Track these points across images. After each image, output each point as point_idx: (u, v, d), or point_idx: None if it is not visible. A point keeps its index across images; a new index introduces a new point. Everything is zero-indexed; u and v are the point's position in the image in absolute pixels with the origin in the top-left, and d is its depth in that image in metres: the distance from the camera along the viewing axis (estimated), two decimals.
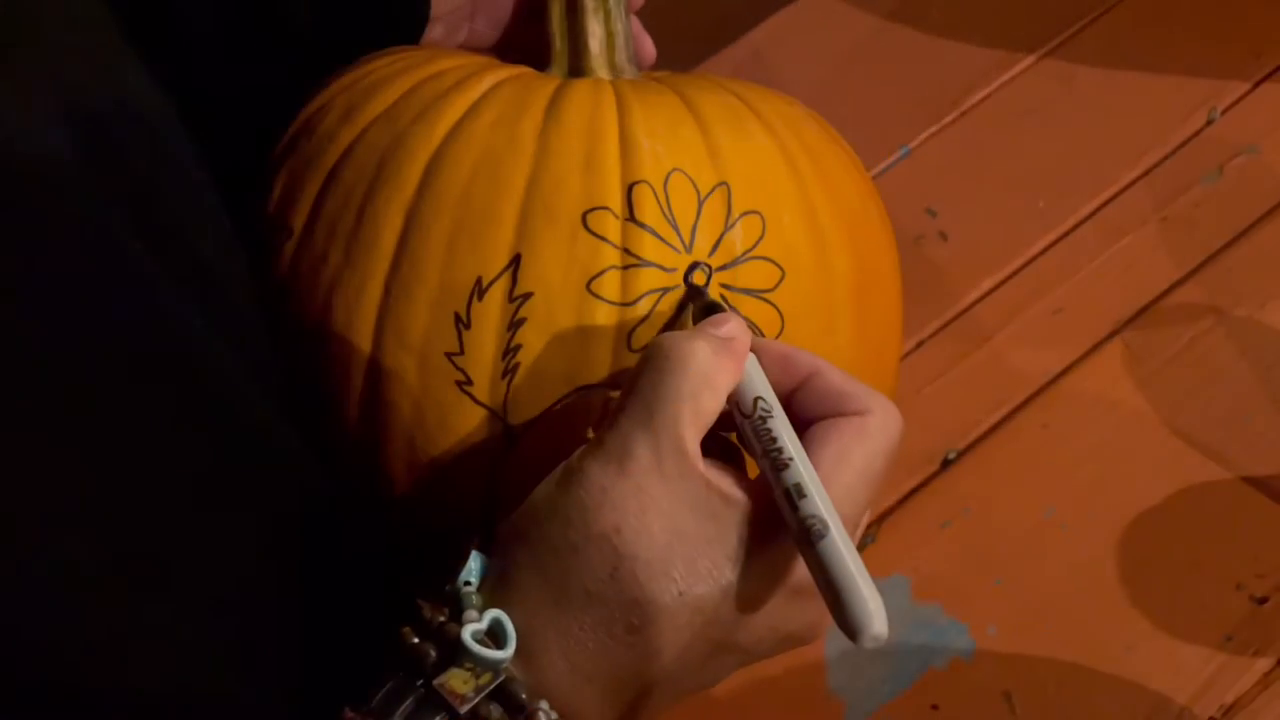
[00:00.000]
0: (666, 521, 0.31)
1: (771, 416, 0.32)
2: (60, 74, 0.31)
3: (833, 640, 0.48)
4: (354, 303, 0.37)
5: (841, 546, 0.30)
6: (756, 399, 0.33)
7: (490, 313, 0.36)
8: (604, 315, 0.36)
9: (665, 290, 0.36)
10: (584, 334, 0.36)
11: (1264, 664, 0.46)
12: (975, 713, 0.46)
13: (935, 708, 0.46)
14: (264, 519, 0.34)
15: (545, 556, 0.31)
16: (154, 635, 0.30)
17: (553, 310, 0.36)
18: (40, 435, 0.28)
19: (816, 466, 0.32)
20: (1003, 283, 0.57)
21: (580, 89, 0.39)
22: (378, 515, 0.39)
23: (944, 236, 0.59)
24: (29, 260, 0.28)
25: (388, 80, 0.40)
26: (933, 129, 0.63)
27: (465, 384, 0.36)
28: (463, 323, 0.36)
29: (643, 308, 0.36)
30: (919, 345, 0.56)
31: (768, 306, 0.37)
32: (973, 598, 0.48)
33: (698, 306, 0.36)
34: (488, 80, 0.39)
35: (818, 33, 0.67)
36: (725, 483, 0.32)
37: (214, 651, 0.31)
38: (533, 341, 0.36)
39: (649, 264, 0.36)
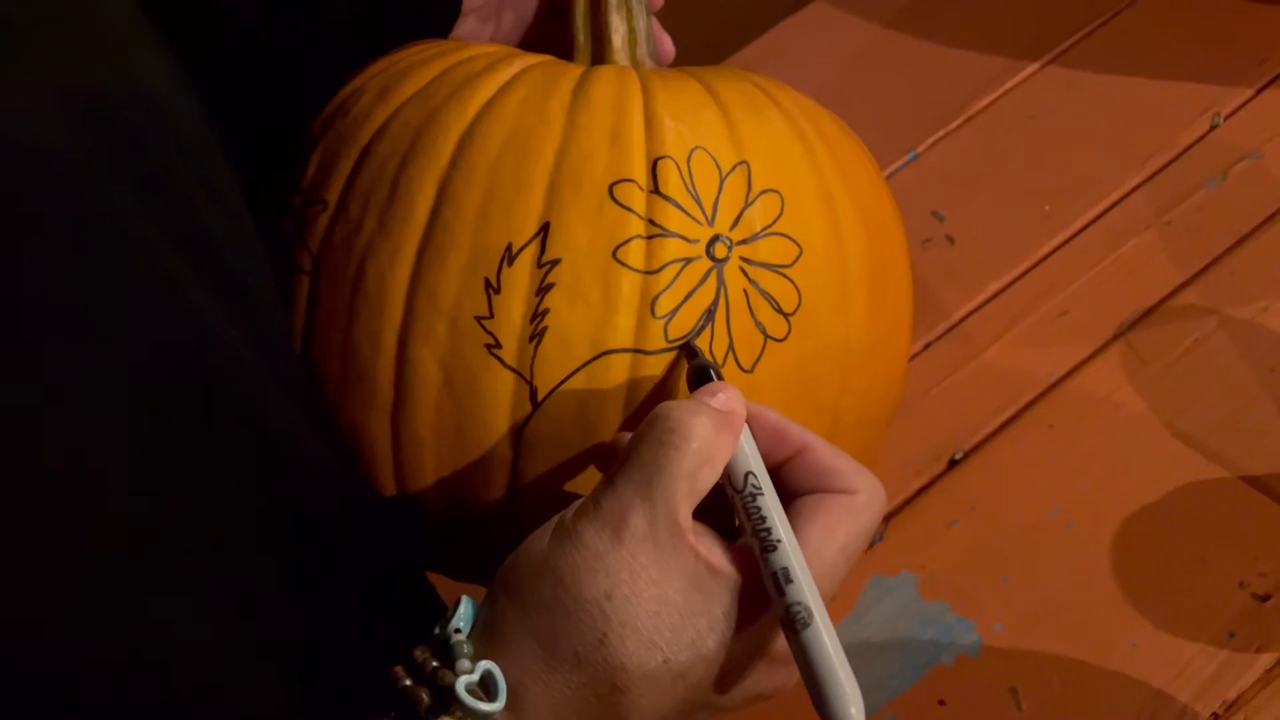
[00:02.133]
0: (656, 590, 0.31)
1: (761, 494, 0.33)
2: (67, 66, 0.31)
3: (841, 635, 0.49)
4: (387, 269, 0.38)
5: (825, 635, 0.31)
6: (747, 474, 0.33)
7: (519, 278, 0.37)
8: (629, 282, 0.37)
9: (688, 260, 0.37)
10: (609, 300, 0.37)
11: (1266, 660, 0.47)
12: (981, 708, 0.47)
13: (942, 703, 0.47)
14: (290, 525, 0.34)
15: (536, 614, 0.32)
16: (182, 637, 0.30)
17: (580, 276, 0.37)
18: (67, 433, 0.28)
19: (803, 543, 0.33)
20: (1009, 285, 0.58)
21: (606, 73, 0.40)
22: (405, 518, 0.40)
23: (951, 240, 0.60)
24: (41, 257, 0.28)
25: (421, 64, 0.41)
26: (939, 134, 0.63)
27: (494, 347, 0.37)
28: (493, 287, 0.37)
29: (666, 276, 0.37)
30: (926, 347, 0.57)
31: (786, 281, 0.38)
32: (979, 595, 0.49)
33: (692, 367, 0.36)
34: (517, 65, 0.40)
35: (824, 39, 0.67)
36: (714, 554, 0.32)
37: (240, 654, 0.31)
38: (560, 306, 0.37)
39: (673, 234, 0.37)
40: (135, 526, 0.29)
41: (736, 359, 0.38)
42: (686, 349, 0.37)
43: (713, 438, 0.33)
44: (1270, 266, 0.56)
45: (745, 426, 0.34)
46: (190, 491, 0.31)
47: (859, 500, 0.34)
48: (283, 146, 0.43)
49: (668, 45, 0.47)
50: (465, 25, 0.46)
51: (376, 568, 0.38)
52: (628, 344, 0.37)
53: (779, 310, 0.38)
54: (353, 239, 0.39)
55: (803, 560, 0.32)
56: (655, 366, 0.37)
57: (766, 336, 0.38)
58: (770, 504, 0.33)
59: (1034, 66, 0.65)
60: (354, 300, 0.38)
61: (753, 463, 0.34)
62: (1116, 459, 0.52)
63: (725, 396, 0.34)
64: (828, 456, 0.34)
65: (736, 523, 0.34)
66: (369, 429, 0.39)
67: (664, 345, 0.37)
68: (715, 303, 0.37)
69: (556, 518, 0.33)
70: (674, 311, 0.37)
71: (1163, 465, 0.51)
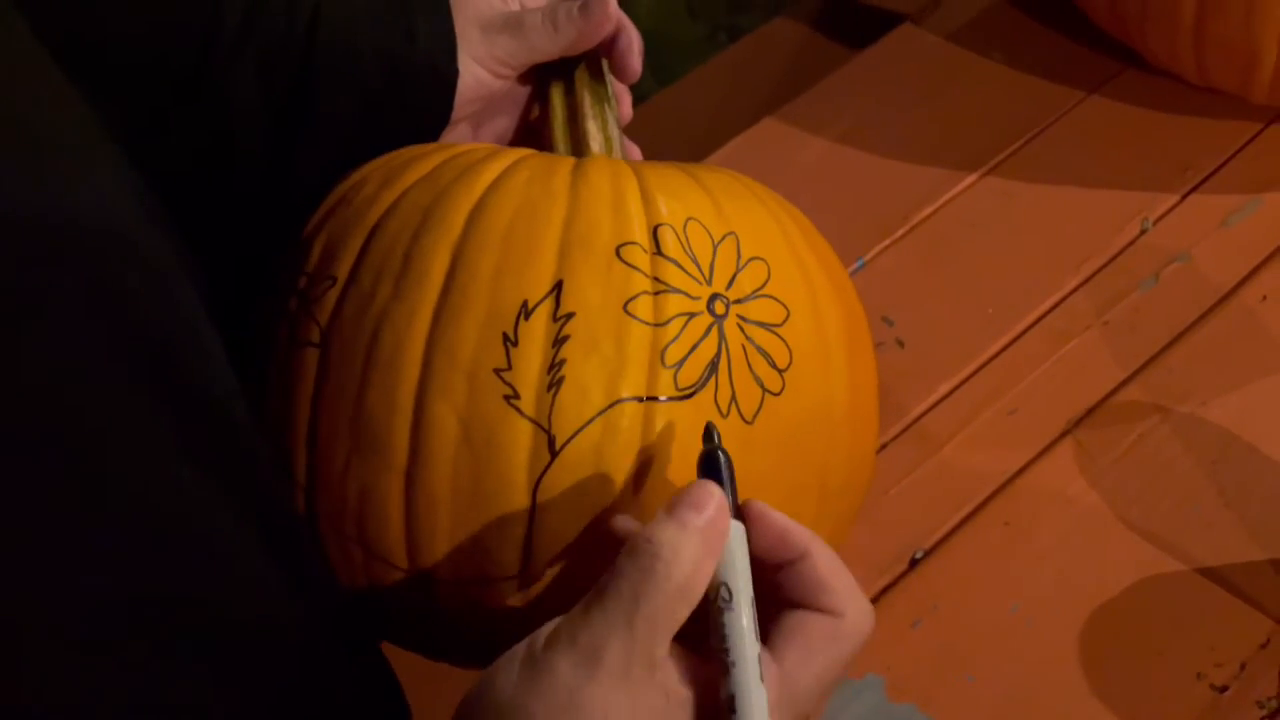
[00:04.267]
0: None
1: (730, 609, 0.33)
2: (7, 190, 0.29)
3: None
4: (404, 331, 0.39)
5: None
6: (721, 585, 0.33)
7: (536, 331, 0.38)
8: (639, 334, 0.39)
9: (691, 315, 0.40)
10: (622, 350, 0.39)
11: None
12: None
13: None
14: (263, 688, 0.33)
15: None
16: None
17: (593, 328, 0.39)
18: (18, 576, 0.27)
19: (780, 660, 0.33)
20: (959, 386, 0.60)
21: (599, 160, 0.43)
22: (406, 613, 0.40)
23: (901, 343, 0.61)
24: None
25: (421, 158, 0.43)
26: (886, 242, 0.66)
27: (512, 398, 0.38)
28: (510, 341, 0.38)
29: (673, 329, 0.39)
30: (883, 448, 0.58)
31: (778, 339, 0.41)
32: (946, 695, 0.50)
33: (704, 450, 0.36)
34: (514, 155, 0.43)
35: (775, 154, 0.70)
36: (680, 685, 0.32)
37: None
38: (576, 357, 0.38)
39: (677, 290, 0.40)
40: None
41: (739, 410, 0.40)
42: (706, 431, 0.37)
43: (697, 570, 0.32)
44: (1206, 362, 0.59)
45: (735, 528, 0.34)
46: (153, 667, 0.30)
47: (844, 625, 0.33)
48: (271, 251, 0.43)
49: (636, 154, 0.49)
50: (454, 133, 0.48)
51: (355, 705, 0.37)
52: (641, 392, 0.39)
53: (774, 365, 0.41)
54: (365, 309, 0.40)
55: (759, 681, 0.32)
56: (667, 414, 0.39)
57: (764, 390, 0.40)
58: (733, 621, 0.33)
59: (972, 177, 0.68)
60: (367, 367, 0.40)
61: (725, 573, 0.33)
62: (1072, 554, 0.53)
63: (713, 513, 0.33)
64: (824, 568, 0.34)
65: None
66: (380, 495, 0.39)
67: (675, 393, 0.39)
68: (718, 355, 0.40)
69: (525, 646, 0.33)
70: (682, 361, 0.39)
71: (1116, 558, 0.53)
